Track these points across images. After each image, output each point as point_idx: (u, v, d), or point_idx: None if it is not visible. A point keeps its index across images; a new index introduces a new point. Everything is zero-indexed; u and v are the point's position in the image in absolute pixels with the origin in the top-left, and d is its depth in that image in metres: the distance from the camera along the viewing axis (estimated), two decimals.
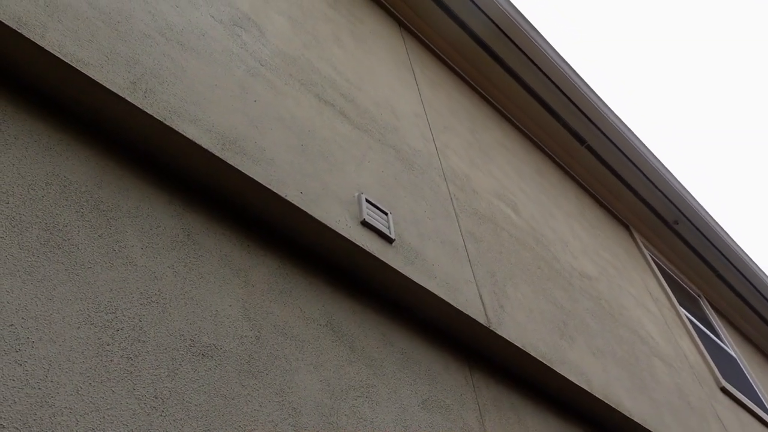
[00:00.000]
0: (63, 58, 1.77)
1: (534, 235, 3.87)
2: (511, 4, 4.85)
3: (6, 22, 1.70)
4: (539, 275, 3.50)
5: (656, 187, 6.08)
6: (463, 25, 4.83)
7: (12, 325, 1.35)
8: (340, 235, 2.25)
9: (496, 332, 2.66)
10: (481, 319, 2.62)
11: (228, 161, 2.03)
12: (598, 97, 5.47)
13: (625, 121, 5.77)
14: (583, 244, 4.64)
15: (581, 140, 5.60)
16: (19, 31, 1.71)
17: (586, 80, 5.38)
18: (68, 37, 1.84)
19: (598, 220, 5.50)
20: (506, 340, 2.69)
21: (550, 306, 3.33)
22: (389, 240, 2.46)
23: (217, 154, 2.02)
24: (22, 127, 1.69)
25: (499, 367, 2.78)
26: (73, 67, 1.79)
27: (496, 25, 4.85)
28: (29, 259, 1.47)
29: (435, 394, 2.33)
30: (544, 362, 2.81)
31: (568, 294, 3.66)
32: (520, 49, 4.99)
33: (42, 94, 1.80)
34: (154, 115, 1.91)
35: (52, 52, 1.76)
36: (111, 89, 1.84)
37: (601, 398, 3.02)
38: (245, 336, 1.82)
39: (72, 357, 1.41)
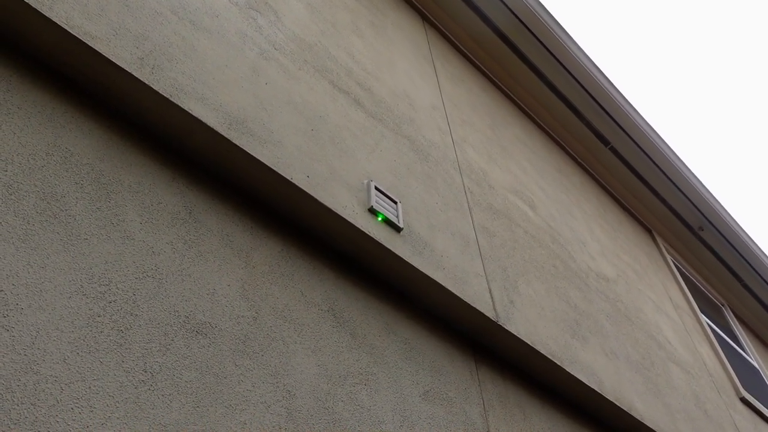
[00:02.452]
0: (70, 31, 1.77)
1: (551, 234, 3.80)
2: (540, 4, 4.78)
3: None
4: (553, 273, 3.44)
5: (681, 191, 5.95)
6: (487, 21, 4.77)
7: (1, 290, 1.35)
8: (346, 221, 2.22)
9: (505, 327, 2.60)
10: (490, 314, 2.57)
11: (234, 141, 2.01)
12: (624, 98, 5.36)
13: (650, 123, 5.65)
14: (602, 245, 4.55)
15: (605, 141, 5.50)
16: (26, 1, 1.71)
17: (611, 79, 5.28)
18: (77, 9, 1.84)
19: (619, 223, 5.40)
20: (514, 335, 2.63)
21: (563, 305, 3.27)
22: (397, 229, 2.42)
23: (223, 133, 2.00)
24: (25, 96, 1.68)
25: (506, 364, 2.72)
26: (80, 39, 1.78)
27: (521, 21, 4.79)
28: (24, 227, 1.47)
29: (438, 386, 2.28)
30: (553, 360, 2.74)
31: (583, 294, 3.59)
32: (544, 46, 4.92)
33: (47, 65, 1.80)
34: (160, 92, 1.90)
35: (59, 23, 1.75)
36: (118, 64, 1.83)
37: (612, 400, 2.95)
38: (242, 316, 1.80)
39: (61, 326, 1.39)
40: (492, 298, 2.69)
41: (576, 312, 3.33)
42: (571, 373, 2.81)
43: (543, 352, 2.73)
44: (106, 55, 1.82)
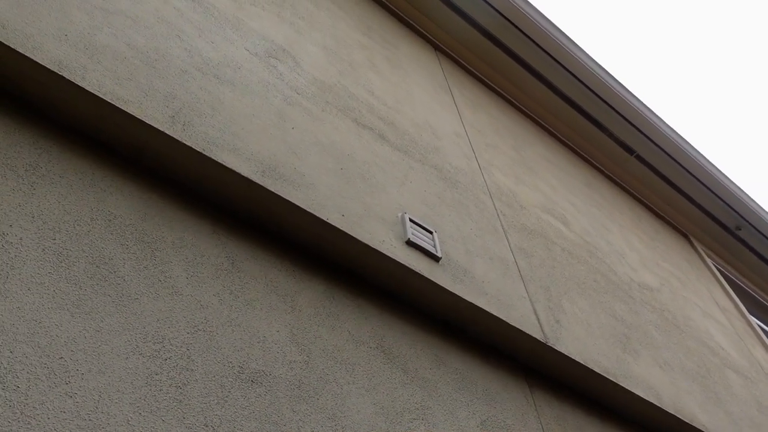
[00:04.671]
0: (103, 97, 1.82)
1: (587, 248, 3.75)
2: (545, 17, 4.80)
3: (48, 66, 1.75)
4: (596, 288, 3.38)
5: (713, 192, 5.85)
6: (498, 43, 4.80)
7: (62, 357, 1.36)
8: (386, 255, 2.21)
9: (555, 348, 2.56)
10: (538, 335, 2.53)
11: (268, 187, 2.03)
12: (644, 104, 5.33)
13: (673, 126, 5.60)
14: (641, 255, 4.48)
15: (630, 150, 5.46)
16: (60, 73, 1.76)
17: (627, 86, 5.26)
18: (108, 76, 1.89)
19: (655, 231, 5.32)
20: (566, 355, 2.58)
21: (610, 319, 3.21)
22: (436, 258, 2.41)
23: (258, 181, 2.02)
24: (66, 165, 1.73)
25: (560, 385, 2.67)
26: (113, 104, 1.83)
27: (532, 40, 4.81)
28: (77, 293, 1.49)
29: (494, 414, 2.24)
30: (607, 377, 2.68)
31: (628, 306, 3.52)
32: (557, 62, 4.92)
33: (84, 132, 1.85)
34: (194, 147, 1.93)
35: (92, 91, 1.80)
36: (151, 124, 1.88)
37: (672, 413, 2.86)
38: (294, 361, 1.79)
39: (121, 387, 1.40)
40: (538, 319, 2.65)
41: (624, 325, 3.27)
42: (627, 388, 2.75)
43: (596, 369, 2.67)
44: (139, 117, 1.87)
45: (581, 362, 2.63)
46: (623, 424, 2.82)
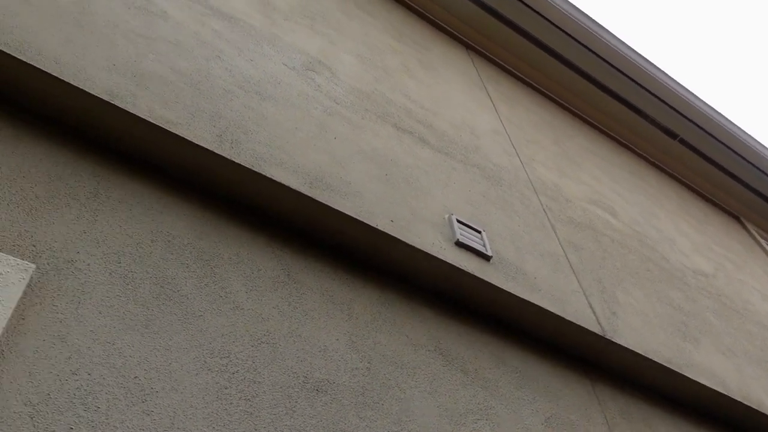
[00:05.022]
0: (154, 122, 1.87)
1: (638, 238, 3.69)
2: (571, 4, 4.73)
3: (100, 96, 1.81)
4: (649, 277, 3.33)
5: (761, 170, 5.69)
6: (529, 36, 4.77)
7: (136, 377, 1.40)
8: (437, 257, 2.22)
9: (613, 341, 2.53)
10: (595, 329, 2.51)
11: (317, 198, 2.06)
12: (683, 87, 5.22)
13: (714, 107, 5.47)
14: (693, 241, 4.38)
15: (673, 135, 5.35)
16: (112, 102, 1.82)
17: (665, 70, 5.16)
18: (156, 101, 1.94)
19: (705, 215, 5.20)
20: (625, 347, 2.55)
21: (667, 308, 3.15)
22: (486, 258, 2.40)
23: (306, 192, 2.05)
24: (123, 191, 1.78)
25: (622, 377, 2.63)
26: (163, 128, 1.88)
27: (562, 30, 4.75)
28: (145, 314, 1.53)
29: (558, 411, 2.23)
30: (670, 367, 2.63)
31: (684, 294, 3.45)
32: (591, 51, 4.86)
33: (138, 157, 1.90)
34: (243, 164, 1.97)
35: (143, 117, 1.86)
36: (200, 144, 1.92)
37: (740, 400, 2.80)
38: (356, 368, 1.81)
39: (194, 403, 1.44)
40: (594, 312, 2.62)
41: (681, 313, 3.20)
42: (691, 377, 2.69)
43: (657, 360, 2.63)
44: (188, 138, 1.91)
45: (641, 353, 2.59)
46: (690, 414, 2.76)
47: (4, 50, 1.70)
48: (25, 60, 1.73)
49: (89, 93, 1.80)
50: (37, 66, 1.75)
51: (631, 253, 3.43)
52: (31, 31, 1.84)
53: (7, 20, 1.81)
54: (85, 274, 1.51)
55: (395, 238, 2.16)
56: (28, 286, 1.37)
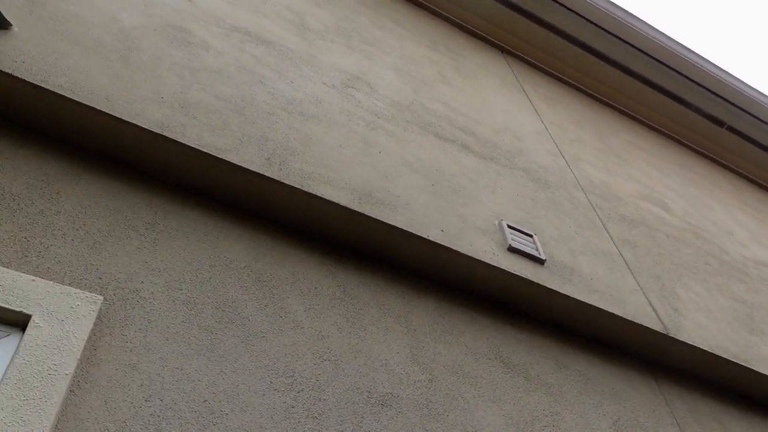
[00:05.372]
0: (204, 149, 1.91)
1: (693, 231, 3.60)
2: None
3: (151, 128, 1.86)
4: (709, 271, 3.23)
5: None
6: (563, 34, 4.71)
7: (206, 400, 1.43)
8: (490, 264, 2.21)
9: (677, 338, 2.46)
10: (657, 327, 2.45)
11: (367, 214, 2.07)
12: (727, 72, 5.08)
13: (761, 89, 5.30)
14: (751, 231, 4.25)
15: (720, 123, 5.20)
16: (163, 134, 1.87)
17: (706, 57, 5.03)
18: (204, 130, 1.99)
19: (760, 203, 5.03)
20: (690, 345, 2.48)
21: (730, 301, 3.05)
22: (540, 261, 2.38)
23: (356, 209, 2.06)
24: (180, 219, 1.82)
25: (689, 376, 2.56)
26: (213, 155, 1.92)
27: (596, 25, 4.68)
28: (209, 338, 1.56)
29: (626, 413, 2.18)
30: (738, 363, 2.55)
31: (746, 286, 3.34)
32: (627, 43, 4.77)
33: (191, 185, 1.94)
34: (292, 184, 1.99)
35: (193, 146, 1.90)
36: (250, 168, 1.95)
37: None
38: (418, 380, 1.81)
39: (263, 423, 1.46)
40: (654, 310, 2.56)
41: (745, 306, 3.10)
42: (761, 372, 2.60)
43: (724, 355, 2.55)
44: (238, 164, 1.95)
45: (707, 350, 2.51)
46: (764, 410, 2.66)
47: (59, 92, 1.77)
48: (78, 100, 1.79)
49: (140, 126, 1.85)
50: (90, 105, 1.81)
51: (688, 248, 3.35)
52: (82, 71, 1.90)
53: (59, 63, 1.88)
54: (150, 302, 1.55)
55: (447, 247, 2.16)
56: (98, 317, 1.41)
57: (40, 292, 1.34)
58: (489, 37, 4.54)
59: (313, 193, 2.02)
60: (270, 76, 2.49)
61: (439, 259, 2.17)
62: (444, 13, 4.41)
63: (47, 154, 1.75)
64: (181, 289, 1.63)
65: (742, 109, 5.17)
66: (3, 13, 1.83)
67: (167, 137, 1.87)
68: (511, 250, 2.35)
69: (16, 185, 1.62)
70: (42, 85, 1.74)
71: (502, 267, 2.22)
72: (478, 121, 3.25)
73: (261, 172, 1.97)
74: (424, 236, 2.13)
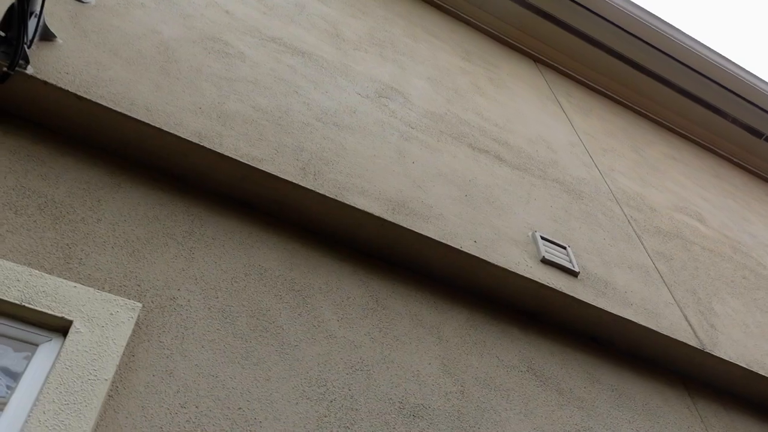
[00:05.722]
0: (240, 159, 1.94)
1: (730, 244, 3.53)
2: (638, 6, 4.60)
3: (189, 138, 1.90)
4: (746, 285, 3.17)
5: None
6: (597, 44, 4.68)
7: (240, 408, 1.45)
8: (523, 276, 2.19)
9: (713, 354, 2.42)
10: (693, 342, 2.40)
11: (400, 224, 2.08)
12: (764, 81, 4.98)
13: None
14: None
15: (758, 133, 5.10)
16: (201, 144, 1.90)
17: (743, 66, 4.94)
18: (241, 140, 2.02)
19: None
20: (726, 360, 2.43)
21: (767, 316, 2.99)
22: (574, 273, 2.36)
23: (389, 219, 2.07)
24: (216, 227, 1.85)
25: (724, 392, 2.50)
26: (249, 165, 1.94)
27: (631, 34, 4.64)
28: (244, 346, 1.58)
29: (659, 430, 2.14)
30: None
31: None
32: (663, 53, 4.71)
33: (228, 194, 1.97)
34: (327, 194, 2.01)
35: (230, 155, 1.93)
36: (285, 178, 1.98)
37: None
38: (450, 392, 1.80)
39: None
40: (690, 325, 2.51)
41: None
42: None
43: (762, 372, 2.49)
44: (274, 173, 1.97)
45: (744, 366, 2.46)
46: None
47: (101, 103, 1.81)
48: (120, 111, 1.83)
49: (179, 136, 1.89)
50: (131, 115, 1.85)
51: (725, 261, 3.28)
52: (123, 82, 1.95)
53: (101, 74, 1.93)
54: (186, 310, 1.58)
55: (480, 258, 2.15)
56: (136, 324, 1.44)
57: (81, 299, 1.38)
58: (522, 47, 4.53)
59: (347, 203, 2.03)
60: (305, 86, 2.51)
61: (471, 270, 2.17)
62: (476, 23, 4.42)
63: (88, 163, 1.80)
64: (217, 297, 1.65)
65: None
66: (48, 25, 1.89)
67: (205, 147, 1.91)
68: (545, 261, 2.33)
69: (59, 193, 1.66)
70: (85, 96, 1.79)
71: (535, 279, 2.21)
72: (512, 132, 3.24)
73: (296, 181, 1.99)
74: (457, 247, 2.13)
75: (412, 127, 2.70)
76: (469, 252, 2.14)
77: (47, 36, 1.87)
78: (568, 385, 2.09)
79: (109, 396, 1.32)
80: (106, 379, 1.27)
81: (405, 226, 2.08)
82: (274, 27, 2.80)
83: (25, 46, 1.71)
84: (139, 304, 1.46)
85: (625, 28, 4.60)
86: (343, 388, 1.63)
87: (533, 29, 4.56)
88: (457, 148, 2.76)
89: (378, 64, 3.07)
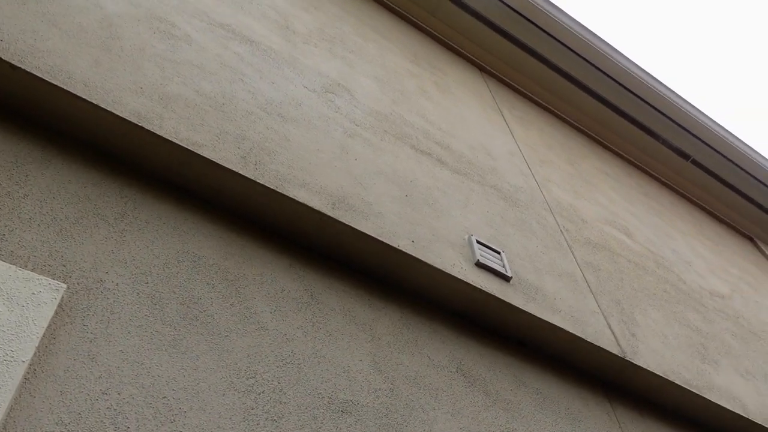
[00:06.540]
0: (180, 143, 1.89)
1: (654, 259, 3.68)
2: (582, 26, 4.76)
3: (128, 118, 1.84)
4: (667, 299, 3.31)
5: None
6: (541, 58, 4.80)
7: (165, 397, 1.41)
8: (457, 278, 2.22)
9: (633, 362, 2.51)
10: (615, 350, 2.49)
11: (340, 219, 2.07)
12: (695, 108, 5.23)
13: (726, 127, 5.46)
14: (708, 262, 4.36)
15: (685, 156, 5.35)
16: (140, 124, 1.85)
17: (676, 91, 5.17)
18: (182, 123, 1.97)
19: (718, 236, 5.18)
20: (645, 369, 2.53)
21: (685, 329, 3.13)
22: (506, 278, 2.40)
23: (329, 213, 2.06)
24: (150, 211, 1.80)
25: (642, 400, 2.61)
26: (189, 149, 1.90)
27: (574, 52, 4.78)
28: (172, 333, 1.54)
29: None
30: (690, 389, 2.61)
31: (701, 315, 3.43)
32: (603, 73, 4.88)
33: (165, 178, 1.92)
34: (267, 185, 1.99)
35: (169, 139, 1.88)
36: (225, 166, 1.94)
37: (760, 423, 2.76)
38: (379, 389, 1.81)
39: (221, 423, 1.44)
40: (613, 333, 2.61)
41: (700, 335, 3.18)
42: (711, 400, 2.67)
43: (677, 382, 2.61)
44: (214, 160, 1.93)
45: (661, 375, 2.57)
46: None
47: (36, 74, 1.74)
48: (56, 83, 1.76)
49: (117, 115, 1.83)
50: (67, 89, 1.78)
51: (648, 275, 3.42)
52: (61, 55, 1.87)
53: (38, 44, 1.85)
54: (114, 294, 1.53)
55: (416, 258, 2.17)
56: (59, 305, 1.39)
57: (1, 276, 1.31)
58: (469, 55, 4.59)
59: (288, 195, 2.01)
60: (251, 75, 2.48)
61: (407, 269, 2.18)
62: (426, 28, 4.46)
63: (18, 136, 1.72)
64: (146, 283, 1.61)
65: (707, 144, 5.33)
66: None
67: (144, 128, 1.85)
68: (479, 265, 2.37)
69: None
70: (20, 66, 1.71)
71: (469, 281, 2.24)
72: (454, 136, 3.28)
73: (236, 170, 1.96)
74: (394, 245, 2.14)
75: (356, 125, 2.70)
76: (405, 251, 2.15)
77: None
78: (495, 387, 2.13)
79: (26, 379, 1.26)
80: (23, 361, 1.21)
81: (344, 221, 2.08)
82: (223, 13, 2.74)
83: None
84: (64, 285, 1.40)
85: (568, 45, 4.74)
86: (272, 380, 1.61)
87: (481, 39, 4.64)
88: (400, 149, 2.77)
89: (326, 59, 3.06)
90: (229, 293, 1.75)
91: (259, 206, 2.01)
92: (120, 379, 1.38)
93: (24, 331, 1.25)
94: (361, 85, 3.06)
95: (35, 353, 1.27)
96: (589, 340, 2.43)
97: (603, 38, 4.85)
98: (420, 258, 2.17)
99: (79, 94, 1.78)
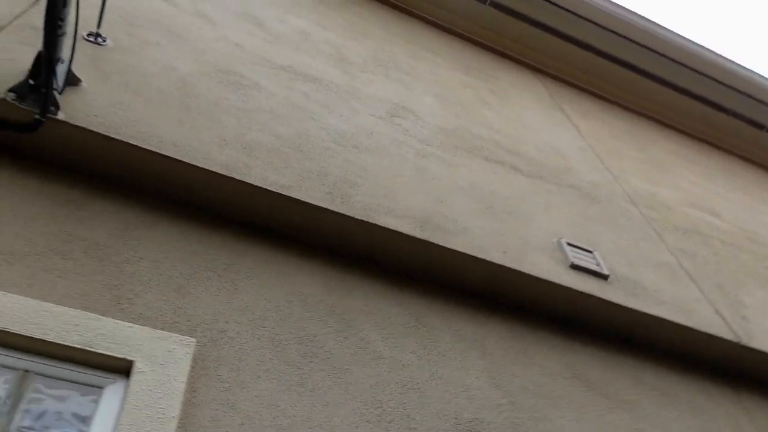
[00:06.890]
0: (268, 188, 1.94)
1: (747, 236, 3.55)
2: (624, 8, 4.65)
3: (218, 171, 1.90)
4: None
5: None
6: (593, 50, 4.73)
7: None
8: (555, 283, 2.20)
9: (749, 346, 2.42)
10: (728, 336, 2.41)
11: (430, 240, 2.08)
12: (761, 75, 5.04)
13: None
14: None
15: (759, 126, 5.15)
16: (230, 175, 1.91)
17: (740, 62, 4.99)
18: (267, 169, 2.03)
19: None
20: (763, 352, 2.43)
21: None
22: (604, 277, 2.36)
23: (418, 236, 2.08)
24: (256, 259, 1.85)
25: (765, 383, 2.50)
26: (278, 193, 1.95)
27: (625, 37, 4.69)
28: (297, 373, 1.57)
29: (706, 426, 2.13)
30: None
31: None
32: (657, 53, 4.77)
33: (261, 224, 1.97)
34: (355, 216, 2.02)
35: (258, 185, 1.93)
36: (313, 203, 1.98)
37: None
38: (501, 404, 1.80)
39: None
40: (723, 319, 2.52)
41: None
42: None
43: None
44: (302, 199, 1.97)
45: None
46: None
47: (131, 142, 1.82)
48: (149, 149, 1.83)
49: (209, 170, 1.89)
50: (160, 152, 1.85)
51: (744, 253, 3.30)
52: (149, 121, 1.96)
53: (126, 114, 1.94)
54: (238, 342, 1.57)
55: (511, 268, 2.16)
56: (193, 359, 1.44)
57: (138, 338, 1.37)
58: (520, 58, 4.57)
59: (376, 223, 2.04)
60: (320, 111, 2.53)
61: (504, 281, 2.17)
62: (473, 37, 4.46)
63: (123, 203, 1.80)
64: (264, 327, 1.65)
65: None
66: (73, 70, 1.90)
67: (233, 178, 1.91)
68: (574, 267, 2.34)
69: (99, 235, 1.66)
70: (115, 137, 1.79)
71: (567, 285, 2.21)
72: (522, 141, 3.26)
73: (324, 206, 2.00)
74: (488, 259, 2.14)
75: (427, 144, 2.71)
76: (499, 263, 2.14)
77: (73, 81, 1.89)
78: (613, 388, 2.08)
79: None
80: (173, 417, 1.26)
81: (434, 242, 2.09)
82: (282, 55, 2.82)
83: (56, 92, 1.72)
84: (194, 340, 1.46)
85: (618, 32, 4.66)
86: (398, 407, 1.62)
87: (530, 40, 4.61)
88: (473, 162, 2.77)
89: (384, 84, 3.10)
90: (340, 327, 1.77)
91: (351, 237, 2.04)
92: (261, 423, 1.41)
93: (168, 388, 1.30)
94: (422, 103, 3.09)
95: (182, 408, 1.32)
96: (699, 329, 2.36)
97: (640, 14, 4.71)
98: (515, 267, 2.16)
99: (171, 155, 1.86)
